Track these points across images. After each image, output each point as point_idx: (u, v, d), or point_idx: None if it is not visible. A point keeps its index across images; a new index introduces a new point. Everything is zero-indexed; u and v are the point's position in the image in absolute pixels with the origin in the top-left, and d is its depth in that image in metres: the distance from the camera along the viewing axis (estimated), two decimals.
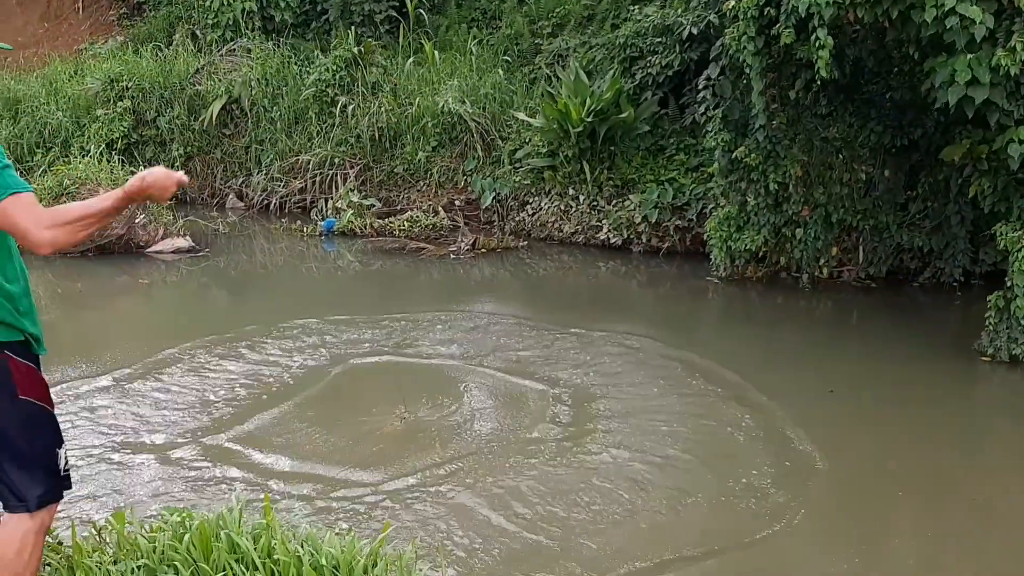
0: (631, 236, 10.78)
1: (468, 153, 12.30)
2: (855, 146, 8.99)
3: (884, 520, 4.74)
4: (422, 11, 14.37)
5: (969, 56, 6.46)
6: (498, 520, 4.46)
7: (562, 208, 11.29)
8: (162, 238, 10.21)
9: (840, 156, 9.01)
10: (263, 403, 6.09)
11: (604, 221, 10.95)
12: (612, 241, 10.83)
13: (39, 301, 2.72)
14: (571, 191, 11.28)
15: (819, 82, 8.13)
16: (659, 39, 11.71)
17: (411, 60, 13.11)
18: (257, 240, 11.63)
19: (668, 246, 10.61)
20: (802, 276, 9.21)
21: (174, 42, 14.96)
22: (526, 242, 11.22)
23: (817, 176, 8.95)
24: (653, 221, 10.54)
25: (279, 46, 13.93)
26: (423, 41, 13.78)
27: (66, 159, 12.48)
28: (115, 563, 2.62)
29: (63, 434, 2.71)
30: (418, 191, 12.39)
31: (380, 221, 11.64)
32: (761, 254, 9.34)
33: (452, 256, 10.67)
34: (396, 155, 12.56)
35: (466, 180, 12.14)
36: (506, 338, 7.71)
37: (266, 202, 12.81)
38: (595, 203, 11.14)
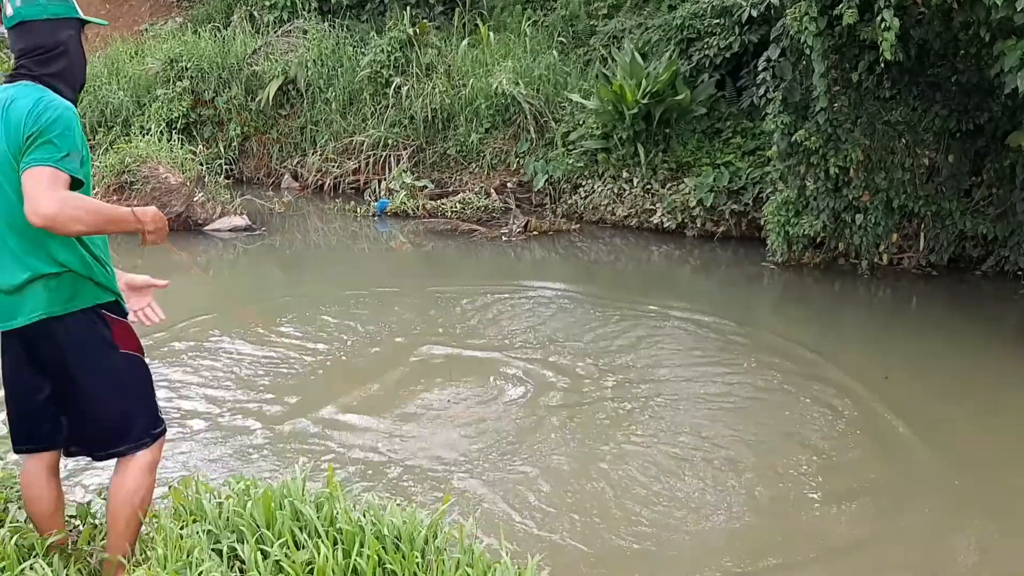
0: (685, 220, 10.67)
1: (521, 135, 12.28)
2: (918, 130, 8.78)
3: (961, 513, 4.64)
4: None
5: None
6: (563, 498, 4.46)
7: (615, 191, 11.22)
8: (219, 216, 10.36)
9: (903, 140, 8.81)
10: (319, 377, 6.17)
11: (658, 205, 10.85)
12: (666, 225, 10.74)
13: None
14: (624, 174, 11.20)
15: (883, 64, 7.99)
16: (717, 20, 11.56)
17: (465, 41, 13.07)
18: (311, 220, 11.74)
19: (723, 230, 10.48)
20: (861, 263, 9.04)
21: (232, 23, 15.12)
22: (578, 225, 11.18)
23: (878, 161, 8.76)
24: (708, 205, 10.41)
25: (334, 27, 14.00)
26: (478, 22, 13.74)
27: (127, 138, 12.73)
28: (182, 528, 2.67)
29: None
30: (470, 173, 12.40)
31: (432, 202, 11.68)
32: (819, 240, 9.18)
33: (504, 238, 10.67)
34: (449, 136, 12.58)
35: (518, 162, 12.11)
36: (569, 317, 7.74)
37: (320, 183, 12.93)
38: (649, 186, 11.05)
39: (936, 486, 4.87)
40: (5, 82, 2.62)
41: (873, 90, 8.69)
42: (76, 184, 2.48)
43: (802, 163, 8.95)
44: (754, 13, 10.64)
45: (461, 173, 12.44)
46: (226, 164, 12.90)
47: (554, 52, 12.82)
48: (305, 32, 13.90)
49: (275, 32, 14.01)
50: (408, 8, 14.57)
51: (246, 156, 13.45)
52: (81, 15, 2.69)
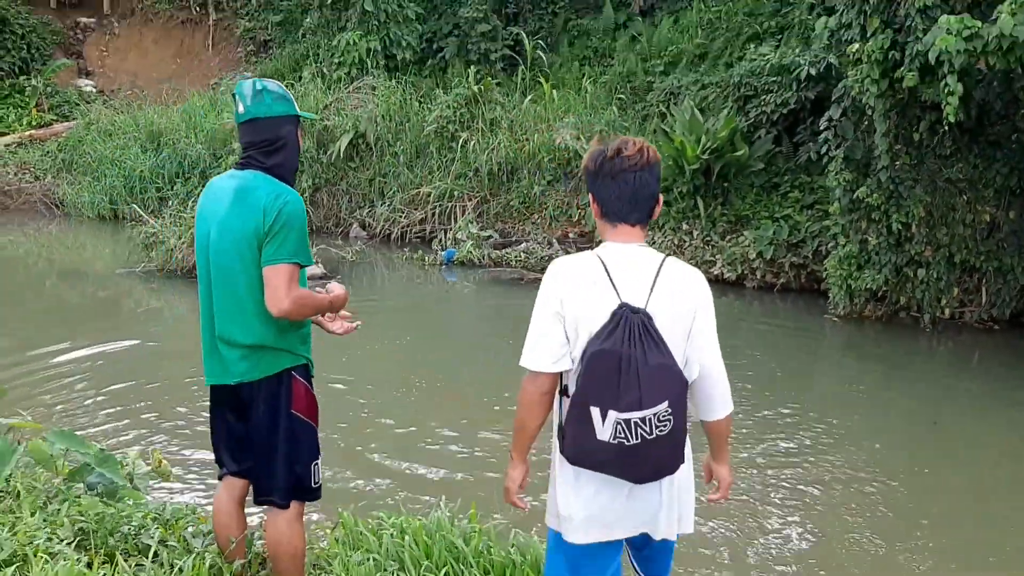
0: (745, 271, 10.95)
1: (581, 188, 12.68)
2: (979, 187, 9.01)
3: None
4: (540, 52, 14.86)
5: None
6: None
7: (675, 242, 11.54)
8: None
9: (963, 197, 9.04)
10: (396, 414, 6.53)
11: (718, 256, 11.15)
12: (726, 276, 11.02)
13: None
14: (684, 226, 11.54)
15: (944, 124, 8.29)
16: (774, 78, 11.91)
17: (529, 98, 13.57)
18: (379, 268, 12.20)
19: (783, 282, 10.74)
20: (923, 316, 9.23)
21: (303, 79, 15.82)
22: None
23: (940, 217, 9.00)
24: (768, 257, 10.69)
25: (401, 84, 14.60)
26: (540, 79, 14.26)
27: (202, 188, 13.37)
28: (349, 556, 3.01)
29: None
30: (532, 223, 12.83)
31: (496, 252, 12.09)
32: (881, 293, 9.40)
33: None
34: (512, 188, 13.03)
35: (580, 214, 12.51)
36: None
37: (388, 232, 13.42)
38: (708, 238, 11.36)
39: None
40: (234, 168, 3.04)
41: (934, 148, 8.95)
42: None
43: (863, 219, 9.22)
44: (812, 71, 11.01)
45: (524, 224, 12.87)
46: None
47: (614, 108, 13.25)
48: (374, 88, 14.51)
49: (345, 88, 14.63)
50: (471, 66, 15.18)
51: (316, 206, 14.01)
52: (299, 112, 3.10)
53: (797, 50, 11.58)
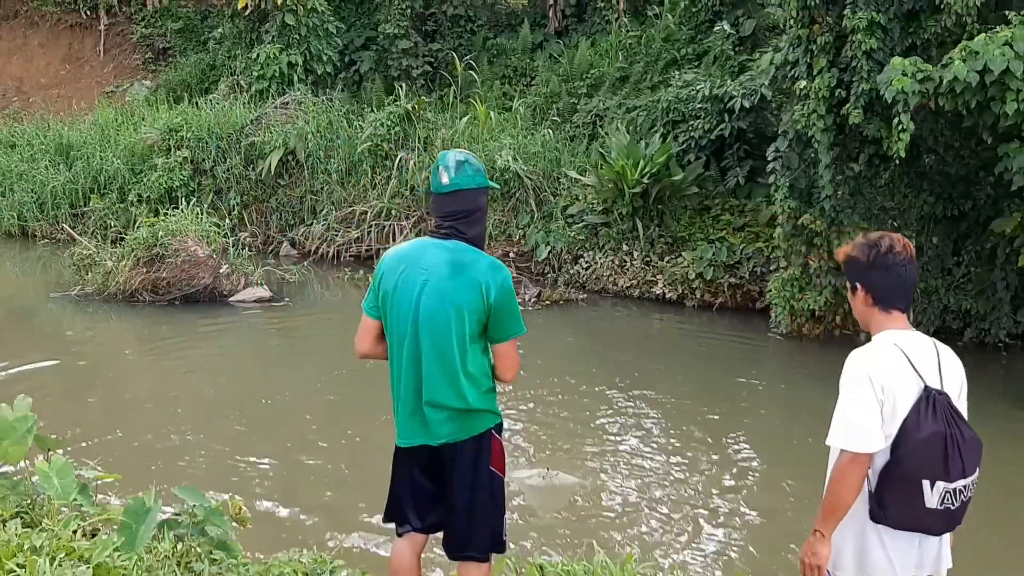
0: (684, 291, 11.44)
1: (520, 208, 12.91)
2: (907, 215, 9.77)
3: None
4: (473, 72, 15.00)
5: None
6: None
7: (616, 263, 11.93)
8: (243, 287, 10.60)
9: (894, 224, 9.77)
10: None
11: (659, 276, 11.61)
12: (667, 295, 11.48)
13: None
14: (624, 247, 11.94)
15: (880, 157, 8.98)
16: (701, 105, 12.47)
17: (464, 119, 13.67)
18: (331, 289, 12.04)
19: (720, 301, 11.29)
20: (860, 335, 9.91)
21: (219, 92, 15.41)
22: (584, 295, 11.82)
23: None
24: (708, 278, 11.21)
25: (331, 100, 14.45)
26: (473, 99, 14.39)
27: (121, 204, 12.87)
28: None
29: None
30: None
31: None
32: (819, 313, 10.03)
33: (521, 307, 11.18)
34: None
35: (520, 233, 12.73)
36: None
37: (320, 251, 13.24)
38: (648, 259, 11.81)
39: None
40: (433, 237, 3.09)
41: (870, 179, 9.64)
42: None
43: (805, 243, 9.83)
44: (746, 103, 11.63)
45: None
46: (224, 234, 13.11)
47: (549, 130, 13.55)
48: (299, 104, 14.29)
49: (271, 103, 14.34)
50: (393, 81, 15.18)
51: (243, 224, 13.68)
52: (489, 183, 3.21)
53: (728, 81, 12.15)
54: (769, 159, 9.99)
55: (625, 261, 11.92)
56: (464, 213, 3.06)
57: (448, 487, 3.08)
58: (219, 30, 17.00)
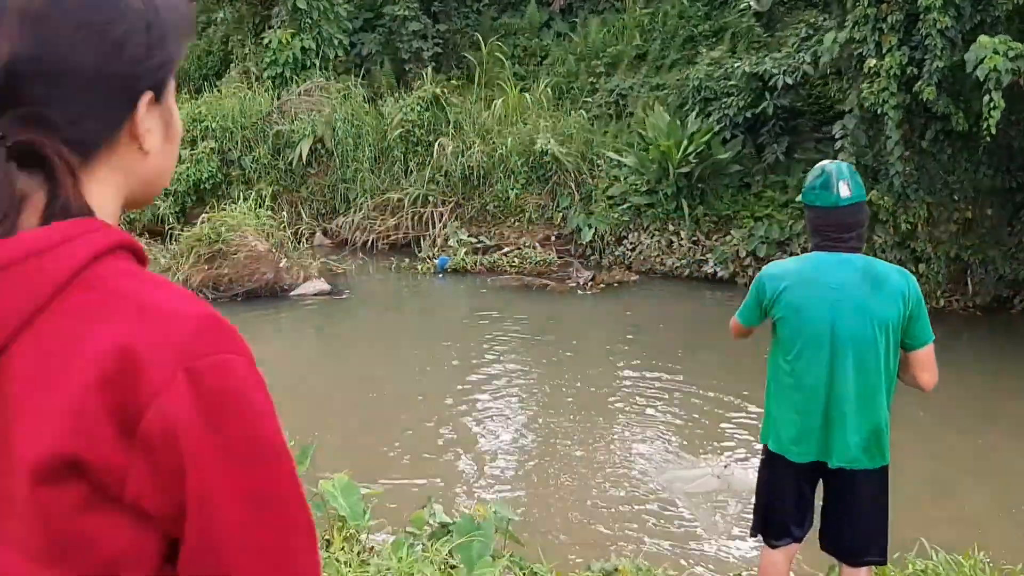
0: (736, 269, 11.55)
1: (558, 191, 12.86)
2: (968, 188, 10.01)
3: None
4: (500, 55, 14.81)
5: None
6: None
7: (664, 243, 11.98)
8: (303, 281, 10.40)
9: (955, 198, 10.01)
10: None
11: (708, 255, 11.69)
12: (719, 274, 11.58)
13: None
14: (670, 227, 12.00)
15: (946, 133, 9.20)
16: (735, 83, 12.52)
17: (500, 101, 13.51)
18: (387, 280, 11.84)
19: None
20: None
21: (229, 79, 14.97)
22: (637, 276, 11.84)
23: (938, 216, 9.92)
24: (761, 256, 11.33)
25: (355, 85, 14.16)
26: (502, 82, 14.19)
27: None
28: None
29: None
30: (508, 227, 12.87)
31: (488, 258, 12.06)
32: None
33: (578, 291, 11.19)
34: (484, 192, 13.00)
35: (560, 216, 12.69)
36: None
37: (355, 240, 13.00)
38: (695, 238, 11.88)
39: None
40: (827, 252, 3.05)
41: (935, 154, 9.83)
42: None
43: (870, 219, 9.99)
44: (789, 81, 11.72)
45: (500, 227, 12.89)
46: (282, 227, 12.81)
47: (583, 112, 13.49)
48: (321, 90, 13.98)
49: (296, 91, 13.95)
50: (404, 64, 14.96)
51: (275, 214, 13.36)
52: None
53: (765, 59, 12.20)
54: (836, 136, 10.10)
55: (672, 241, 11.97)
56: (860, 224, 3.07)
57: (839, 503, 3.09)
58: (220, 14, 16.46)
